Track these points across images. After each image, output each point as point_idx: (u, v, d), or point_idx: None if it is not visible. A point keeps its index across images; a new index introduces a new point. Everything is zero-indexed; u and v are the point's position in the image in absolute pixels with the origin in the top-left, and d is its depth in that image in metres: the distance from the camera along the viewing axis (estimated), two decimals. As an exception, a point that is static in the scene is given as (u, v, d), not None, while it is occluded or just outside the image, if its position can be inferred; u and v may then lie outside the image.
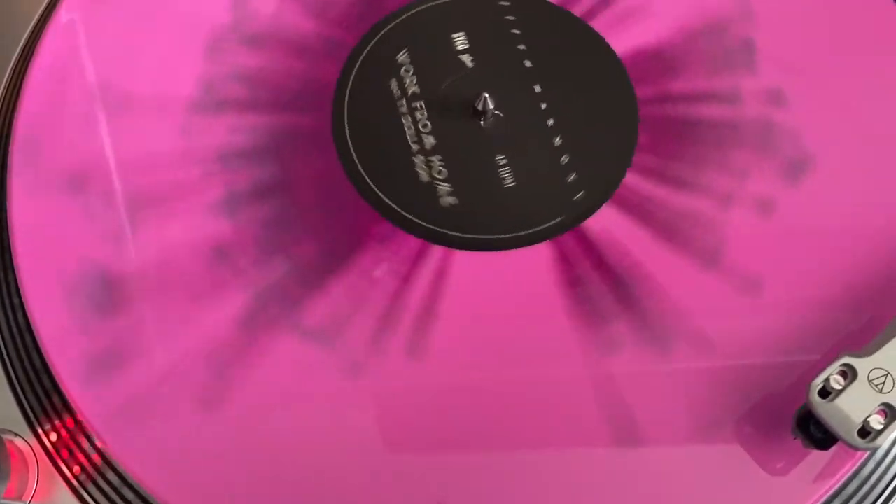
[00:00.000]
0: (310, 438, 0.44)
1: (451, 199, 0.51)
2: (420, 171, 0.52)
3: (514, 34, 0.55)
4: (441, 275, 0.49)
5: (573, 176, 0.51)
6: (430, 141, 0.52)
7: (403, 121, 0.53)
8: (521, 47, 0.55)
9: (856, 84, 0.53)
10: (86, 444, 0.45)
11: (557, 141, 0.52)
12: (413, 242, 0.50)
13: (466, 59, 0.55)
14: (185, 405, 0.45)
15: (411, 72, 0.54)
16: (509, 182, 0.51)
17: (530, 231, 0.50)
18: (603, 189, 0.51)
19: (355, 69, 0.55)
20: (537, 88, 0.54)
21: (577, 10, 0.56)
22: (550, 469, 0.44)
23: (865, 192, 0.50)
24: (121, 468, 0.44)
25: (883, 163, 0.51)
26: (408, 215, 0.50)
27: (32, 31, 0.57)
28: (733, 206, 0.50)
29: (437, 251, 0.49)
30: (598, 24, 0.55)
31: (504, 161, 0.52)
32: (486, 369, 0.46)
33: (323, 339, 0.47)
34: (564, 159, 0.51)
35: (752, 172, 0.51)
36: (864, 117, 0.52)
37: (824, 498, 0.44)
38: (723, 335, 0.46)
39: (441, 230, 0.50)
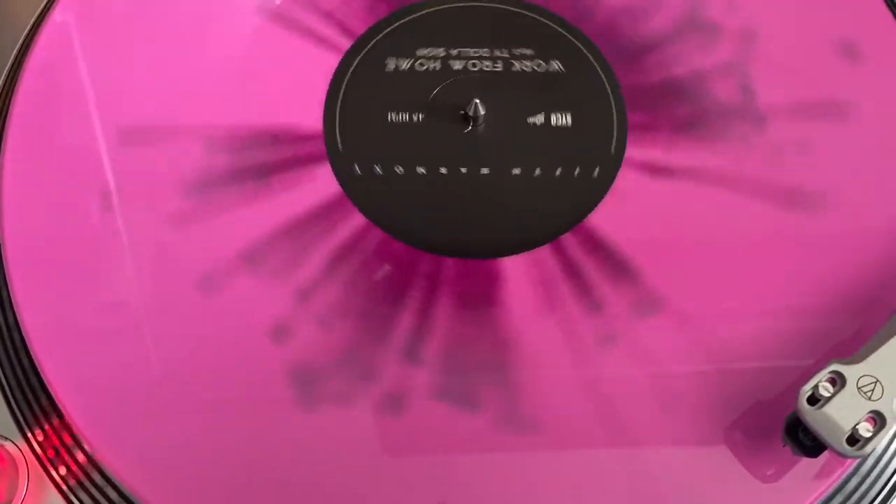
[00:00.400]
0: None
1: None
2: (406, 60, 0.55)
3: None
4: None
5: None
6: (433, 66, 0.55)
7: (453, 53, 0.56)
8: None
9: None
10: (75, 448, 0.45)
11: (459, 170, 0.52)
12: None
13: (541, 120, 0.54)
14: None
15: (506, 54, 0.56)
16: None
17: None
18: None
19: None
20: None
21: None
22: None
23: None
24: (109, 472, 0.44)
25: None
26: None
27: (28, 35, 0.57)
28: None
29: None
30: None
31: (413, 118, 0.53)
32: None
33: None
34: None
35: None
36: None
37: (814, 506, 0.44)
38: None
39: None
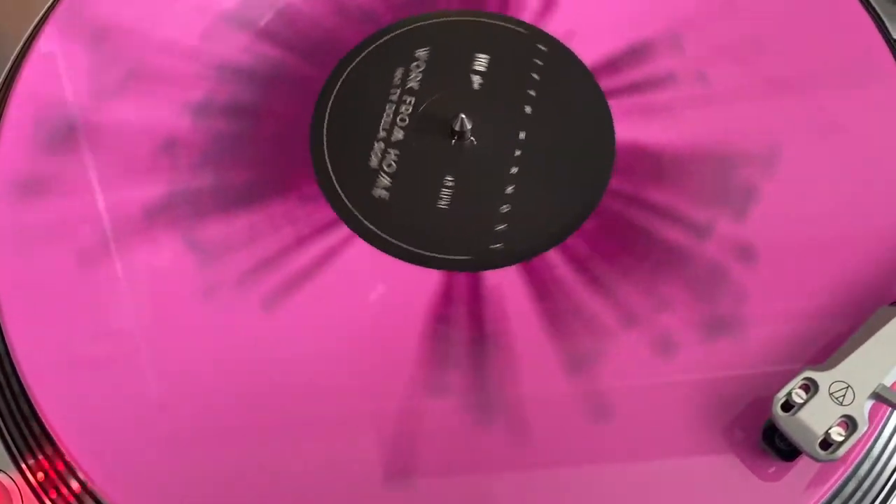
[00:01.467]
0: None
1: (383, 193, 0.52)
2: (372, 156, 0.53)
3: (533, 78, 0.55)
4: (332, 254, 0.50)
5: (503, 226, 0.51)
6: (398, 135, 0.54)
7: (387, 107, 0.55)
8: (531, 93, 0.55)
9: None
10: (69, 478, 0.46)
11: (510, 189, 0.52)
12: (328, 214, 0.51)
13: (476, 79, 0.55)
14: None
15: (421, 69, 0.56)
16: (443, 204, 0.52)
17: (429, 253, 0.50)
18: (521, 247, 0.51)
19: (375, 44, 0.57)
20: (521, 135, 0.54)
21: (604, 84, 0.55)
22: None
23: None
24: (104, 501, 0.45)
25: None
26: (339, 189, 0.52)
27: (15, 61, 0.57)
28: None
29: (343, 232, 0.51)
30: (616, 104, 0.54)
31: (451, 184, 0.52)
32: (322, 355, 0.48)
33: (203, 254, 0.50)
34: (505, 208, 0.52)
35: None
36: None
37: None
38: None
39: (359, 216, 0.51)
